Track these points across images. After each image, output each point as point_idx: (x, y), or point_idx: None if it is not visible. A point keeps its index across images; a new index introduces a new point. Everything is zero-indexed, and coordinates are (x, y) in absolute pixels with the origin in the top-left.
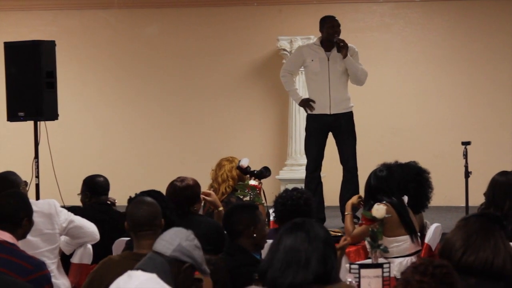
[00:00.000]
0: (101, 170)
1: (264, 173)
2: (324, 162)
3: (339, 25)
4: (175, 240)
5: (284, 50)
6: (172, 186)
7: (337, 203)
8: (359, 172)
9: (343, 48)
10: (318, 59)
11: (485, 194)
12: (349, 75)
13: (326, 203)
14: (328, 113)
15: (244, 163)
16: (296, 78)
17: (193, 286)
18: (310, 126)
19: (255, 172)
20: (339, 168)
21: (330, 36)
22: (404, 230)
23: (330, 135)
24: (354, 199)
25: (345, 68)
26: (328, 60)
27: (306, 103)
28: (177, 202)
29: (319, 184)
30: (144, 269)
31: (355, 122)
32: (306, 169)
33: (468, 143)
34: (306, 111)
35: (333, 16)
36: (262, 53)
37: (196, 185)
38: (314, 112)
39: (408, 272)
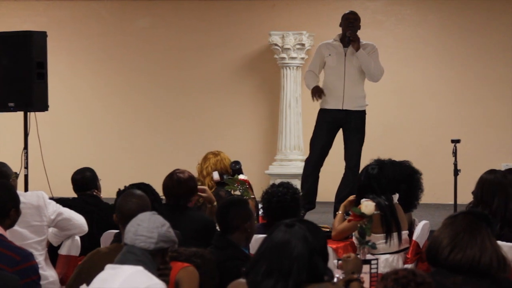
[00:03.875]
0: (90, 162)
1: (237, 169)
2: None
3: (355, 19)
4: (153, 232)
5: (276, 45)
6: (174, 177)
7: (332, 199)
8: None
9: (352, 42)
10: (335, 54)
11: (473, 193)
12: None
13: (322, 199)
14: (341, 108)
15: (215, 176)
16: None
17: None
18: (320, 120)
19: (230, 176)
20: (339, 165)
21: (344, 30)
22: (381, 229)
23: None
24: (348, 201)
25: None
26: (345, 55)
27: (316, 90)
28: (177, 194)
29: (316, 178)
30: (127, 263)
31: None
32: (306, 162)
33: (457, 141)
34: (313, 99)
35: (352, 11)
36: (253, 48)
37: (195, 178)
38: (326, 106)
39: (389, 281)
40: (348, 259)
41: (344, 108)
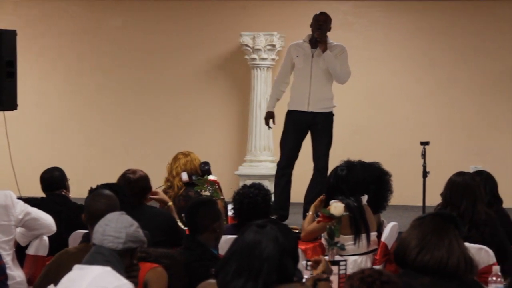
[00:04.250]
0: (59, 162)
1: (206, 169)
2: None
3: (325, 21)
4: (121, 232)
5: (247, 46)
6: (125, 178)
7: (301, 200)
8: None
9: (319, 43)
10: (303, 55)
11: (442, 195)
12: None
13: (291, 200)
14: (306, 110)
15: (184, 176)
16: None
17: (135, 266)
18: (287, 122)
19: (200, 177)
20: (308, 166)
21: (312, 31)
22: (350, 231)
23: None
24: (318, 201)
25: None
26: (312, 57)
27: (267, 118)
28: (131, 194)
29: (288, 181)
30: (95, 263)
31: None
32: (278, 165)
33: (426, 143)
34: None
35: (323, 12)
36: (224, 49)
37: (147, 177)
38: (293, 108)
39: (355, 280)
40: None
41: (309, 110)
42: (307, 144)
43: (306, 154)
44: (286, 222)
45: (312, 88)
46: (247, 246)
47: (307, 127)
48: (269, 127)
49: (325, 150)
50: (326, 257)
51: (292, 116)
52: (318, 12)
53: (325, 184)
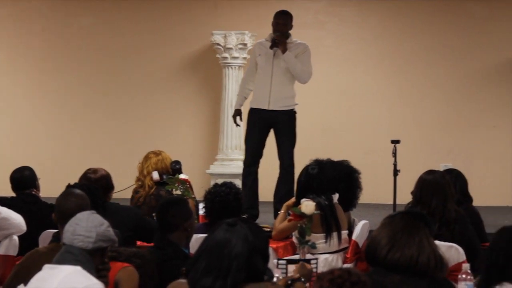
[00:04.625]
0: (29, 161)
1: (177, 169)
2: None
3: (285, 21)
4: (91, 232)
5: (218, 44)
6: (86, 177)
7: (271, 199)
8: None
9: (279, 45)
10: (264, 54)
11: (412, 193)
12: None
13: (261, 199)
14: (267, 108)
15: (155, 176)
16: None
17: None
18: (249, 120)
19: (171, 176)
20: (275, 164)
21: (273, 31)
22: (321, 229)
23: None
24: (292, 201)
25: None
26: (274, 55)
27: (234, 116)
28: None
29: (255, 179)
30: (65, 263)
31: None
32: (244, 163)
33: (397, 141)
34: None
35: (283, 10)
36: (196, 47)
37: (109, 175)
38: (254, 106)
39: (325, 282)
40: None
41: (270, 108)
42: (273, 142)
43: (273, 152)
44: (256, 221)
45: (273, 87)
46: (217, 244)
47: (269, 125)
48: (237, 125)
49: (289, 148)
50: (297, 256)
51: (254, 114)
52: (279, 11)
53: (293, 182)
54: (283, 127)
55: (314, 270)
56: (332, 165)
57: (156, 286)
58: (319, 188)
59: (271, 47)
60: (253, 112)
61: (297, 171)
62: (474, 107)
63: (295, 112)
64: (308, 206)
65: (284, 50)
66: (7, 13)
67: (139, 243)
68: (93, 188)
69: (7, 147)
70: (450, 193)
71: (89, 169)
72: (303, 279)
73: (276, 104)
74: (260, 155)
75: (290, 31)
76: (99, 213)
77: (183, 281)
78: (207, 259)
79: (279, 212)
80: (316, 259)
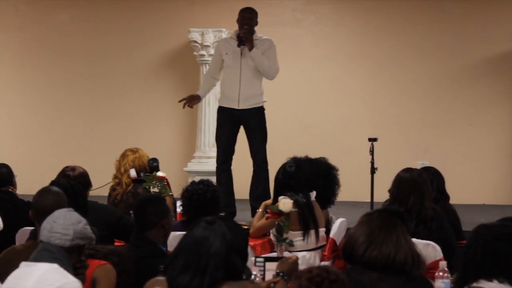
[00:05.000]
0: (7, 158)
1: (155, 166)
2: (234, 155)
3: (250, 18)
4: (69, 229)
5: (195, 42)
6: (64, 175)
7: (247, 196)
8: (269, 167)
9: (244, 42)
10: (232, 52)
11: (389, 191)
12: None
13: (237, 196)
14: (237, 107)
15: (133, 173)
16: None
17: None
18: (220, 118)
19: (148, 174)
20: (250, 161)
21: (239, 28)
22: (299, 227)
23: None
24: (270, 201)
25: None
26: (241, 54)
27: (190, 99)
28: None
29: (229, 176)
30: (42, 260)
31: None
32: (216, 161)
33: (374, 139)
34: (184, 104)
35: (248, 7)
36: (172, 45)
37: (86, 173)
38: (224, 105)
39: (303, 280)
40: (287, 261)
41: (240, 108)
42: (246, 139)
43: (246, 149)
44: (234, 218)
45: (242, 86)
46: (195, 242)
47: (239, 123)
48: (181, 102)
49: (261, 145)
50: (275, 253)
51: (224, 113)
52: (244, 8)
53: (268, 179)
54: (254, 125)
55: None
56: (309, 162)
57: (134, 284)
58: (297, 186)
59: (239, 45)
60: (222, 110)
61: (275, 169)
62: (451, 105)
63: (264, 109)
64: (285, 204)
65: (250, 48)
66: None
67: (117, 241)
68: (75, 186)
69: None
70: (427, 191)
71: (67, 167)
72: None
73: (245, 103)
74: (232, 152)
75: (255, 28)
76: (78, 211)
77: (161, 278)
78: (185, 256)
79: (257, 211)
80: (297, 257)
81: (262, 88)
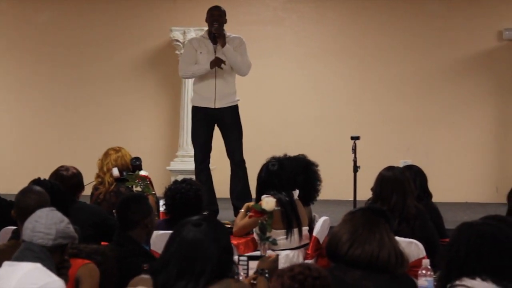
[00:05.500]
0: None
1: (137, 165)
2: (213, 154)
3: (219, 15)
4: (51, 229)
5: (177, 41)
6: (58, 175)
7: (228, 195)
8: (250, 165)
9: (218, 38)
10: (206, 52)
11: (372, 189)
12: None
13: (218, 195)
14: (213, 107)
15: (115, 172)
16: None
17: (66, 263)
18: (195, 118)
19: (131, 173)
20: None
21: (209, 27)
22: (282, 225)
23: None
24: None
25: None
26: (215, 52)
27: (216, 62)
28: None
29: (209, 175)
30: (25, 260)
31: (243, 115)
32: (195, 161)
33: (357, 137)
34: (220, 67)
35: (216, 6)
36: (154, 44)
37: (80, 174)
38: (199, 104)
39: (286, 279)
40: (267, 259)
41: (216, 107)
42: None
43: (220, 150)
44: (217, 217)
45: (218, 85)
46: (189, 247)
47: (214, 122)
48: (222, 62)
49: (238, 143)
50: (258, 252)
51: (199, 112)
52: (212, 6)
53: (247, 177)
54: (229, 123)
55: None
56: (289, 160)
57: (117, 283)
58: (280, 185)
59: (214, 42)
60: (197, 110)
61: (257, 167)
62: (433, 104)
63: (237, 107)
64: (268, 202)
65: (223, 44)
66: None
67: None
68: (56, 185)
69: None
70: (410, 189)
71: (61, 166)
72: (266, 272)
73: (222, 102)
74: (209, 149)
75: (224, 26)
76: (60, 211)
77: (145, 276)
78: (179, 262)
79: (240, 210)
80: (277, 255)
81: (235, 87)
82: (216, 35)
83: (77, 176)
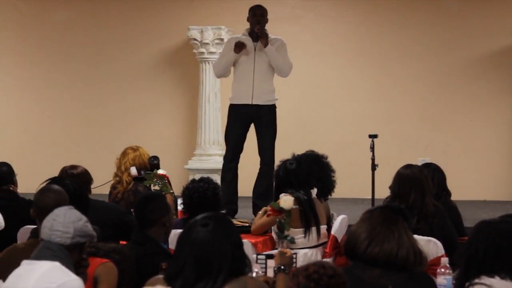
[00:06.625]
0: (7, 157)
1: (156, 164)
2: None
3: (261, 14)
4: (69, 227)
5: (195, 39)
6: (66, 173)
7: (249, 194)
8: None
9: (260, 38)
10: (245, 50)
11: (390, 187)
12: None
13: (240, 194)
14: (250, 103)
15: (133, 171)
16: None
17: (84, 262)
18: (231, 116)
19: (149, 171)
20: (253, 159)
21: (252, 25)
22: (300, 224)
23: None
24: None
25: None
26: (255, 50)
27: (237, 45)
28: None
29: (235, 175)
30: (44, 259)
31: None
32: (224, 159)
33: (375, 136)
34: (240, 50)
35: (258, 5)
36: (172, 43)
37: (88, 171)
38: (236, 102)
39: (301, 278)
40: (286, 254)
41: (253, 103)
42: (252, 138)
43: (253, 147)
44: (236, 216)
45: (256, 82)
46: (202, 248)
47: (251, 120)
48: (241, 45)
49: (271, 143)
50: (276, 251)
51: (236, 110)
52: (254, 5)
53: (273, 177)
54: (266, 121)
55: (293, 265)
56: (304, 158)
57: (135, 281)
58: (298, 183)
59: (254, 40)
60: (234, 108)
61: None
62: (451, 102)
63: (276, 107)
64: (286, 201)
65: (266, 44)
66: None
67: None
68: (76, 184)
69: None
70: (428, 187)
71: (66, 166)
72: (283, 268)
73: (259, 99)
74: (240, 150)
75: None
76: (79, 209)
77: (161, 276)
78: (196, 265)
79: (259, 213)
80: (295, 254)
81: (274, 85)
82: (259, 35)
83: (84, 173)
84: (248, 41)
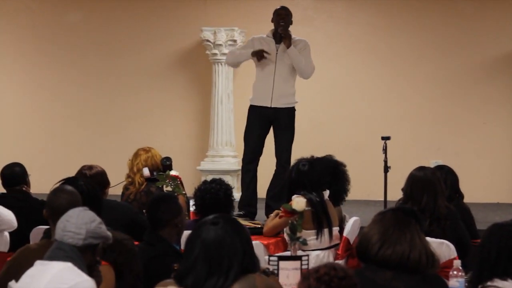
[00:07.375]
0: (20, 157)
1: (168, 165)
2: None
3: (286, 15)
4: (81, 228)
5: (208, 41)
6: (81, 174)
7: (263, 195)
8: None
9: (284, 39)
10: (267, 50)
11: (403, 189)
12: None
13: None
14: (269, 105)
15: (146, 172)
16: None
17: (97, 264)
18: (250, 117)
19: (161, 173)
20: (270, 162)
21: (276, 26)
22: (312, 225)
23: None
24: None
25: None
26: (277, 52)
27: (257, 53)
28: None
29: (254, 177)
30: (56, 259)
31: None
32: (242, 161)
33: (387, 138)
34: (258, 60)
35: (283, 6)
36: (185, 44)
37: (104, 172)
38: (256, 103)
39: (312, 281)
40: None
41: (272, 106)
42: (268, 140)
43: (267, 149)
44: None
45: (276, 84)
46: (214, 246)
47: (270, 122)
48: (265, 53)
49: (288, 145)
50: (288, 252)
51: (255, 112)
52: (278, 7)
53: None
54: (284, 124)
55: (305, 266)
56: (319, 161)
57: (146, 281)
58: (310, 185)
59: (277, 42)
60: (254, 109)
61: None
62: (464, 103)
63: (295, 110)
64: (299, 202)
65: (289, 44)
66: None
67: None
68: (89, 185)
69: None
70: (441, 190)
71: (84, 166)
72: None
73: (278, 101)
74: (260, 152)
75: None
76: (92, 210)
77: (170, 281)
78: (207, 263)
79: (271, 215)
80: (307, 255)
81: (295, 88)
82: (283, 36)
83: (100, 174)
84: (271, 42)
